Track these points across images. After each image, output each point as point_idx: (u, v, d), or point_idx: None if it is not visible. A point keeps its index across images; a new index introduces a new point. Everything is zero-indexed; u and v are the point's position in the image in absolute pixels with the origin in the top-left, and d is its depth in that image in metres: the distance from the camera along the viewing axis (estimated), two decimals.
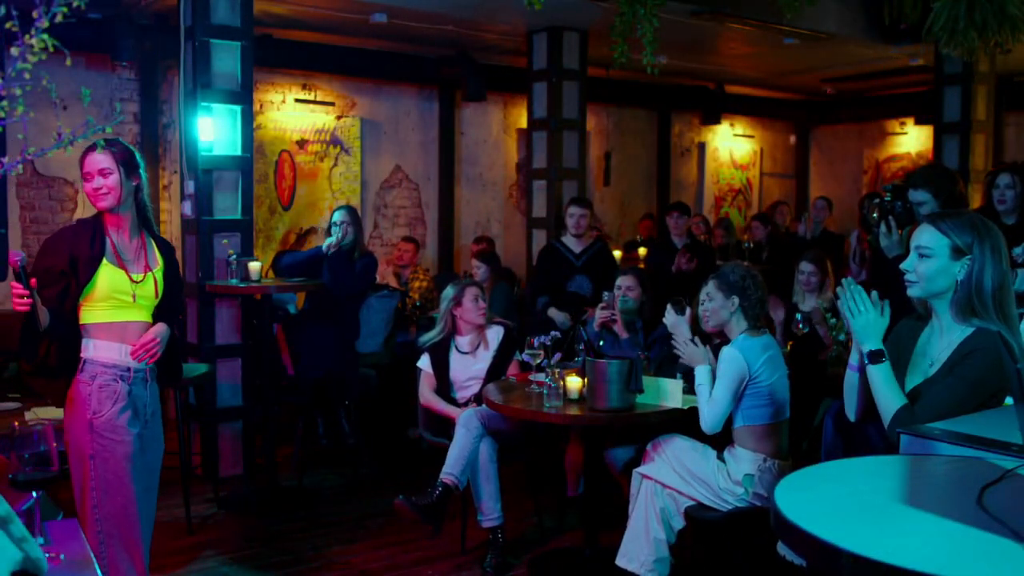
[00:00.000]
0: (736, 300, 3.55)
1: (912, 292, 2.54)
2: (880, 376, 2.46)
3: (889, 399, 2.43)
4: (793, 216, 10.01)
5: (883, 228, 3.61)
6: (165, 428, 3.21)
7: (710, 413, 3.47)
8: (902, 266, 2.55)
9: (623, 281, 4.86)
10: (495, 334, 4.70)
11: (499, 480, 4.22)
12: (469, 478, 4.19)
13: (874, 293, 2.51)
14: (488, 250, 7.63)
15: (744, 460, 3.49)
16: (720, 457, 3.57)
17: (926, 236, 2.50)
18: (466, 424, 4.19)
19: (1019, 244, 3.93)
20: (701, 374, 3.53)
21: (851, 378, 2.65)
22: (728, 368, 3.45)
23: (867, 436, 3.03)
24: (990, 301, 2.44)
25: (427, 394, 4.68)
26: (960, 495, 1.61)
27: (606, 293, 4.83)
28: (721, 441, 3.61)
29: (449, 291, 4.75)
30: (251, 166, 5.58)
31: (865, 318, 2.47)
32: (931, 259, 2.47)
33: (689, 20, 6.87)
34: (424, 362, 4.72)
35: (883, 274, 3.73)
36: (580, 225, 6.14)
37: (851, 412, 2.69)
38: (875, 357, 2.46)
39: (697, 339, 3.66)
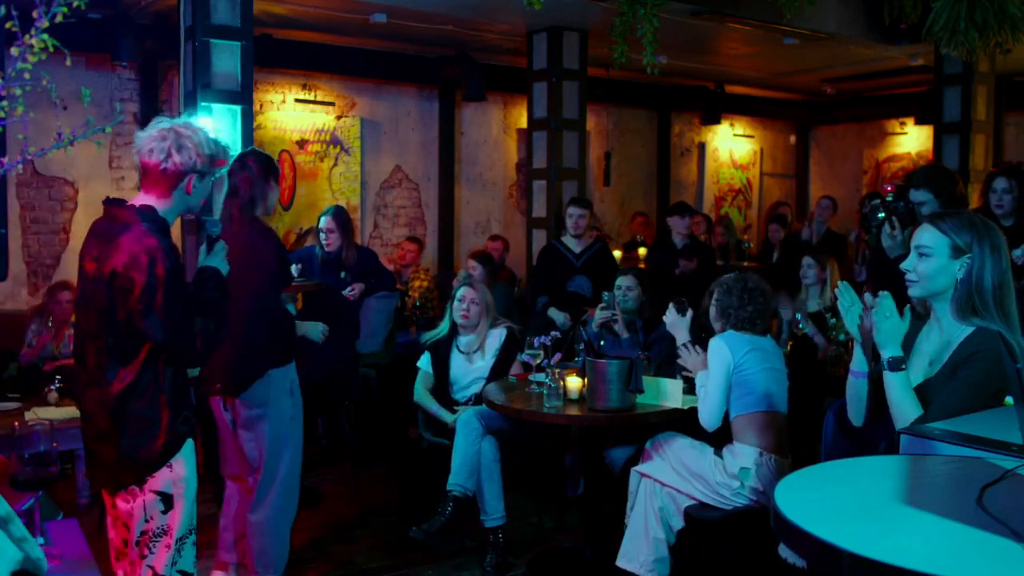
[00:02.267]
0: (714, 299, 3.66)
1: (912, 292, 2.54)
2: (898, 384, 2.43)
3: (906, 407, 2.41)
4: (794, 216, 10.00)
5: (887, 228, 3.61)
6: None
7: (705, 408, 3.52)
8: (902, 266, 2.55)
9: (623, 281, 4.86)
10: (496, 337, 4.69)
11: (502, 480, 4.22)
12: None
13: (884, 295, 2.50)
14: (491, 247, 7.63)
15: (741, 455, 3.49)
16: (718, 453, 3.57)
17: (926, 236, 2.50)
18: (465, 427, 4.19)
19: (1018, 246, 3.92)
20: (701, 379, 3.58)
21: (858, 386, 2.63)
22: (714, 359, 3.51)
23: (868, 436, 3.03)
24: (990, 300, 2.44)
25: (420, 393, 4.68)
26: (960, 495, 1.61)
27: (606, 293, 4.83)
28: (721, 440, 3.61)
29: (455, 289, 4.77)
30: None
31: (891, 323, 2.45)
32: (931, 258, 2.47)
33: (689, 20, 6.87)
34: (424, 361, 4.72)
35: (882, 274, 3.73)
36: (579, 225, 6.14)
37: (857, 419, 2.68)
38: (895, 364, 2.44)
39: (690, 345, 3.71)
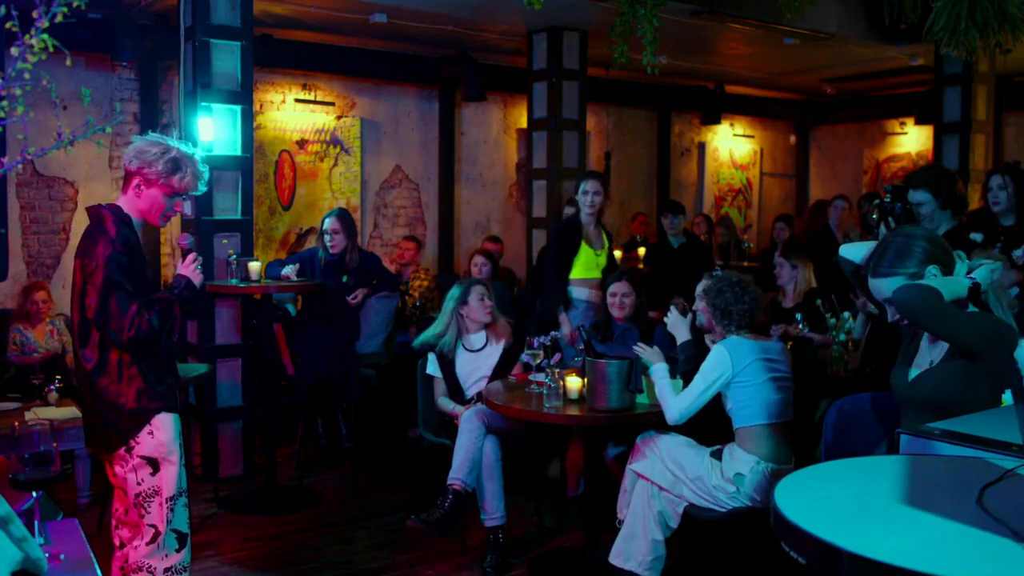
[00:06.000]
0: (710, 305, 3.62)
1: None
2: (957, 289, 2.44)
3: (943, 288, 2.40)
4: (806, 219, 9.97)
5: (883, 229, 3.61)
6: None
7: (676, 405, 3.49)
8: (889, 320, 2.62)
9: (617, 288, 4.75)
10: (504, 330, 4.71)
11: (503, 479, 4.21)
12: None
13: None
14: (491, 248, 7.65)
15: (739, 460, 3.48)
16: (715, 455, 3.56)
17: (883, 286, 2.57)
18: (467, 424, 4.18)
19: (1019, 246, 3.92)
20: (658, 372, 3.58)
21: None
22: (710, 364, 3.48)
23: (868, 436, 3.03)
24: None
25: (441, 401, 4.67)
26: (960, 495, 1.61)
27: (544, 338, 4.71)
28: (721, 440, 3.60)
29: (455, 291, 4.72)
30: (251, 166, 5.58)
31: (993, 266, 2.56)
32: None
33: (689, 20, 6.87)
34: (433, 368, 4.69)
35: None
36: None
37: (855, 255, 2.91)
38: (976, 289, 2.46)
39: (652, 348, 3.73)
